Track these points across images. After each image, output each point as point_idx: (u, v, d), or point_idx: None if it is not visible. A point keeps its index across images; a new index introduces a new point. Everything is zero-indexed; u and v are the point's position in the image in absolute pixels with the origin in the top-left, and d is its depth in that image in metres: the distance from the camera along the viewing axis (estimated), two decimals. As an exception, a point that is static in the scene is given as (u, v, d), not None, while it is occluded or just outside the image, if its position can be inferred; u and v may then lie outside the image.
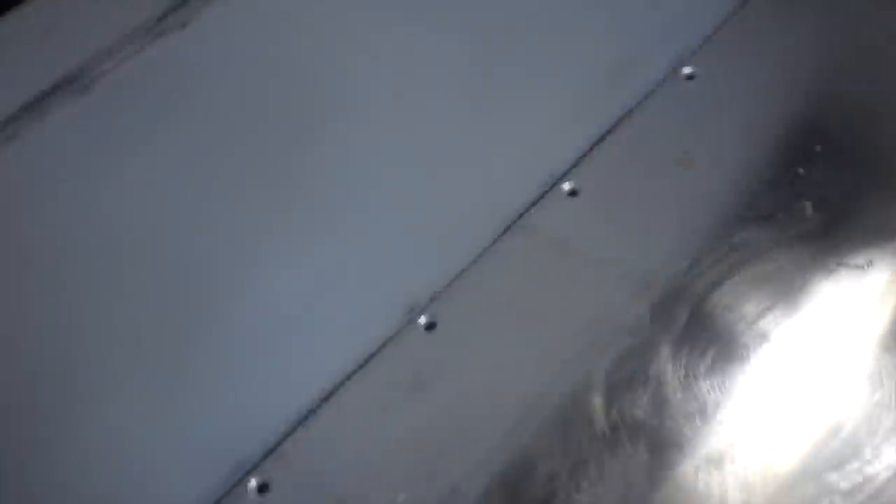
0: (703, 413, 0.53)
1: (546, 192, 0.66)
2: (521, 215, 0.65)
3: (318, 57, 0.50)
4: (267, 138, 0.50)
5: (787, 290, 0.59)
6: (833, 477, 0.50)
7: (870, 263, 0.59)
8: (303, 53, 0.50)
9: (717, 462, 0.51)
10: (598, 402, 0.55)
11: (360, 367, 0.59)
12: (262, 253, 0.52)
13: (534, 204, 0.66)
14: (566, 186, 0.67)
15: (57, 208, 0.43)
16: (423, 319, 0.61)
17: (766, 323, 0.57)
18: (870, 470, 0.50)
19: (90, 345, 0.46)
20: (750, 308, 0.58)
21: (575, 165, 0.68)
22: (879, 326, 0.57)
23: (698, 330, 0.57)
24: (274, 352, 0.55)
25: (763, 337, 0.57)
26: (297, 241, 0.53)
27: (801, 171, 0.65)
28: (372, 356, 0.59)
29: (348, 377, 0.59)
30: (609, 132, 0.69)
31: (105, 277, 0.45)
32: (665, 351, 0.56)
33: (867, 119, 0.68)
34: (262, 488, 0.55)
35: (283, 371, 0.56)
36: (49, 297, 0.44)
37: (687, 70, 0.73)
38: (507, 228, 0.65)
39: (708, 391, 0.54)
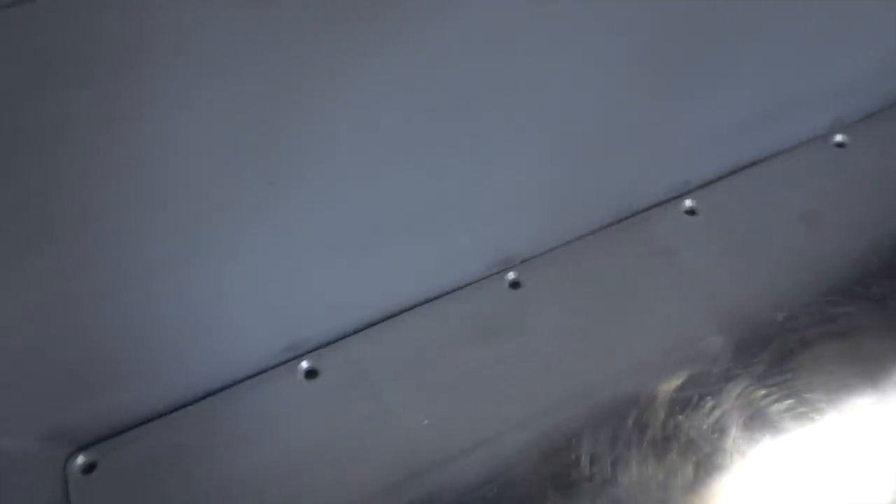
0: (759, 458, 0.52)
1: (666, 201, 0.66)
2: (635, 213, 0.65)
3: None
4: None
5: (876, 375, 0.57)
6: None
7: (967, 379, 0.57)
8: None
9: (757, 507, 0.50)
10: (659, 410, 0.53)
11: (438, 297, 0.59)
12: (396, 162, 0.52)
13: (651, 208, 0.65)
14: (687, 203, 0.66)
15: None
16: (511, 276, 0.61)
17: (846, 398, 0.56)
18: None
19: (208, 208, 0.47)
20: (834, 379, 0.56)
21: (702, 186, 0.67)
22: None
23: (777, 380, 0.56)
24: (362, 255, 0.55)
25: (839, 411, 0.55)
26: (428, 161, 0.53)
27: (925, 267, 0.63)
28: (451, 292, 0.59)
29: (423, 303, 0.59)
30: (745, 168, 0.68)
31: (213, 162, 0.45)
32: (738, 388, 0.55)
33: None
34: (311, 373, 0.55)
35: (365, 276, 0.56)
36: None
37: (839, 138, 0.72)
38: (619, 221, 0.64)
39: (770, 439, 0.53)
